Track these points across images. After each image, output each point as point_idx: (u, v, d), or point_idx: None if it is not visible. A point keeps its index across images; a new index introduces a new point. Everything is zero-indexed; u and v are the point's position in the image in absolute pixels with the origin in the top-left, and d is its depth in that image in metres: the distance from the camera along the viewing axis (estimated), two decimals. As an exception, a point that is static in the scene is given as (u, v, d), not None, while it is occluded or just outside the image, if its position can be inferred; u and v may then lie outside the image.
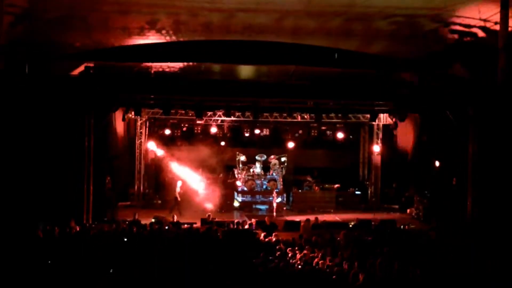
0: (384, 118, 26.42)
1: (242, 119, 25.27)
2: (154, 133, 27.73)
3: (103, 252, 13.30)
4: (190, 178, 26.12)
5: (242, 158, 26.54)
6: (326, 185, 26.51)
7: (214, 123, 26.36)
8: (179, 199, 23.98)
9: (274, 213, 23.16)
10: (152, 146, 27.13)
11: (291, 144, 27.20)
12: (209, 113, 24.96)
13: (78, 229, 16.45)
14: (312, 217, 19.67)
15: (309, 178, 27.11)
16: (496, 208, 17.12)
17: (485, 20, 15.46)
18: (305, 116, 25.62)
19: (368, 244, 15.23)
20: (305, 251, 13.79)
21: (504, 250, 13.79)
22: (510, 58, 13.27)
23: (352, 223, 19.74)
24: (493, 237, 16.08)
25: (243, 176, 25.98)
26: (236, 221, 19.17)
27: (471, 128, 18.91)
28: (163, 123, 27.34)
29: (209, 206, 24.38)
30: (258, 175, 26.12)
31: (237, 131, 27.87)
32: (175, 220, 19.50)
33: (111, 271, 11.99)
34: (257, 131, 27.31)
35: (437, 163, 22.62)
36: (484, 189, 18.09)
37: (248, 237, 16.22)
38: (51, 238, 14.81)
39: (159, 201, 26.06)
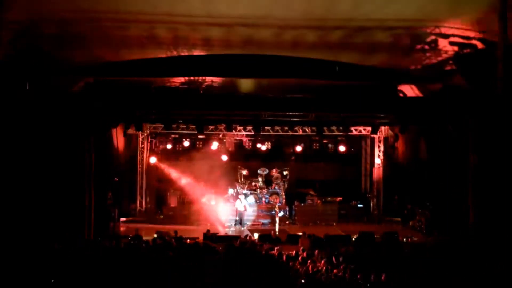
0: (385, 131, 26.43)
1: (243, 133, 25.23)
2: (156, 148, 27.71)
3: (106, 269, 13.26)
4: (192, 192, 26.08)
5: (244, 172, 26.51)
6: (328, 198, 26.37)
7: (216, 137, 26.37)
8: None
9: (277, 227, 23.05)
10: (153, 161, 27.15)
11: (293, 158, 27.13)
12: (211, 128, 24.95)
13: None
14: (310, 231, 19.51)
15: (311, 192, 27.04)
16: (497, 217, 17.06)
17: (484, 32, 15.51)
18: (307, 130, 25.62)
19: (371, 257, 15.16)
20: (308, 264, 13.75)
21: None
22: (508, 68, 13.33)
23: (355, 236, 19.66)
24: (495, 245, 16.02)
25: (245, 190, 25.90)
26: (238, 235, 19.11)
27: (471, 139, 18.87)
28: (164, 138, 27.29)
29: (213, 220, 24.32)
30: (260, 189, 26.08)
31: (238, 145, 27.79)
32: (177, 235, 19.41)
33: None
34: (258, 145, 27.26)
35: (438, 175, 22.52)
36: (485, 199, 18.02)
37: (250, 251, 16.15)
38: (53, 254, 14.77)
39: (161, 216, 25.98)
